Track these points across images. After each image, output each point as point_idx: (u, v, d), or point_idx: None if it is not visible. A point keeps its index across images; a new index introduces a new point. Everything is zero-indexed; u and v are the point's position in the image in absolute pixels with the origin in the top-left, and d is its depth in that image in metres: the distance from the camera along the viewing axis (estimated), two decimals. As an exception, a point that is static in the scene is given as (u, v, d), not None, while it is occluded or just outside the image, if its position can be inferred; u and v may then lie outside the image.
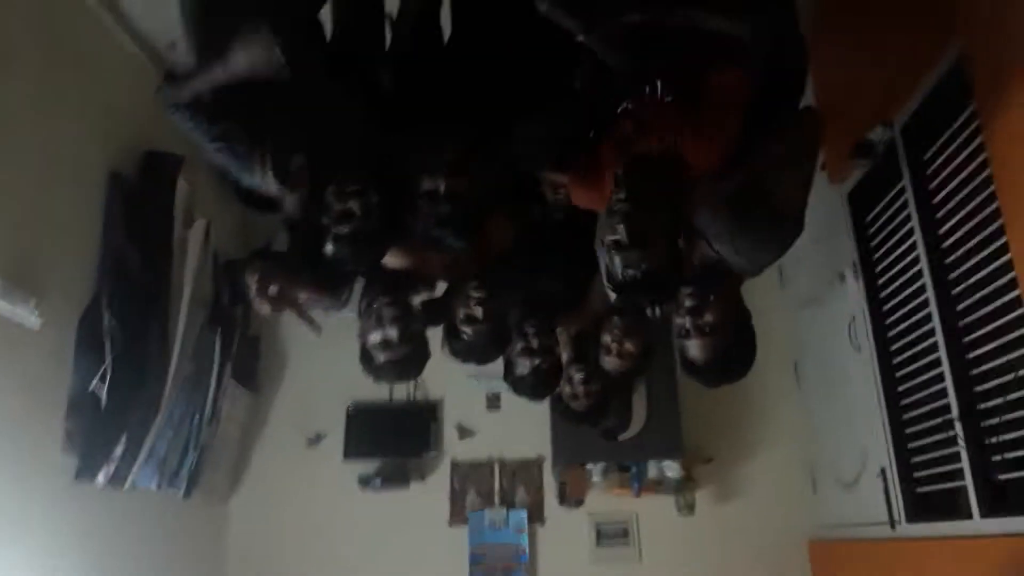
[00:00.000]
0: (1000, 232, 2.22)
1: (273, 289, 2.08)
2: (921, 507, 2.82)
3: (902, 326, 2.88)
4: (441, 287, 2.40)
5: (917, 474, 2.84)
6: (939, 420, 2.60)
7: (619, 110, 1.84)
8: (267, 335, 4.33)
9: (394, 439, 4.29)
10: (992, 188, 2.23)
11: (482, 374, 4.07)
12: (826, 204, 3.27)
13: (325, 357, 3.96)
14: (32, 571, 2.51)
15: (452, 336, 2.27)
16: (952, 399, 2.49)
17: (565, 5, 1.58)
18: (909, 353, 2.84)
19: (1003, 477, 2.29)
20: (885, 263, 2.98)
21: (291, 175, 1.95)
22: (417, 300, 2.40)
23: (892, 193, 2.87)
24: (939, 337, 2.57)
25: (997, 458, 2.30)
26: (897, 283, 2.89)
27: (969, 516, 2.41)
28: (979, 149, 2.31)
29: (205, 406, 3.47)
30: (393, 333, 2.15)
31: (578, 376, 2.41)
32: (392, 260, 2.17)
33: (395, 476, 4.22)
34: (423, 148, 1.95)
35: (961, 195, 2.44)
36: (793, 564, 3.95)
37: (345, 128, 2.04)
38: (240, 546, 4.16)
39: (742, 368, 1.88)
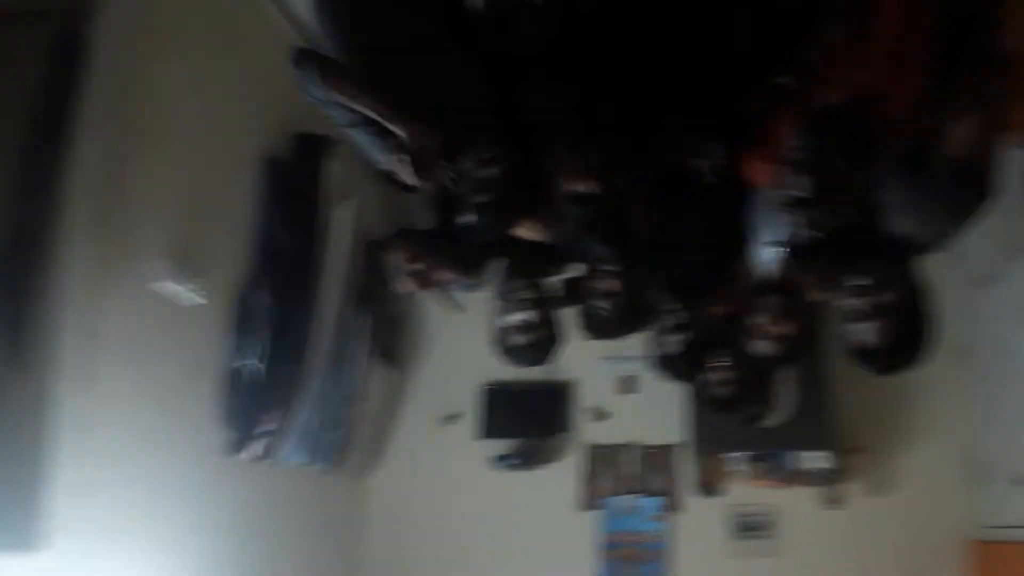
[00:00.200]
0: None
1: (418, 267, 2.11)
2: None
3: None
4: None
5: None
6: None
7: (793, 65, 1.69)
8: (409, 314, 4.41)
9: (528, 420, 4.29)
10: None
11: (618, 356, 4.02)
12: (1007, 168, 2.96)
13: (462, 336, 4.01)
14: (187, 542, 2.65)
15: (587, 312, 2.22)
16: None
17: None
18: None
19: None
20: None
21: (421, 161, 1.95)
22: (554, 281, 2.38)
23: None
24: None
25: None
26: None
27: None
28: None
29: (350, 384, 3.58)
30: (529, 316, 2.13)
31: (723, 362, 2.31)
32: (529, 232, 2.13)
33: (528, 457, 4.23)
34: (568, 144, 1.87)
35: None
36: (948, 565, 3.68)
37: (477, 96, 2.00)
38: (380, 522, 4.28)
39: (921, 353, 1.71)
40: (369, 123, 1.98)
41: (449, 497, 4.28)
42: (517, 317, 2.17)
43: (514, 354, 2.24)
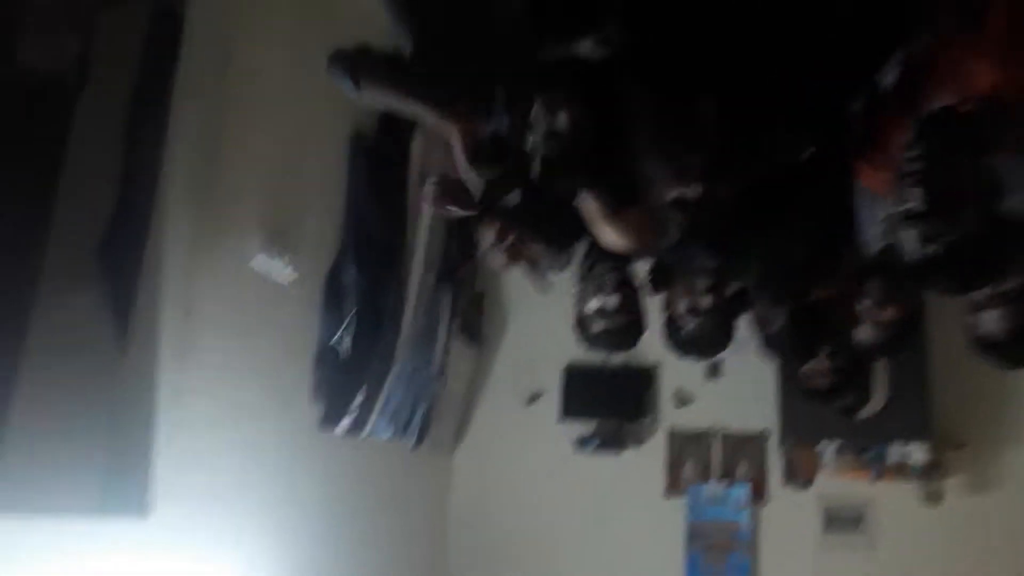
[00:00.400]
0: None
1: (509, 242, 2.08)
2: None
3: None
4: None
5: None
6: None
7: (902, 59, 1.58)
8: (491, 292, 4.40)
9: (609, 402, 4.24)
10: None
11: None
12: None
13: (545, 316, 3.96)
14: (279, 511, 2.72)
15: (672, 327, 2.14)
16: None
17: None
18: None
19: None
20: None
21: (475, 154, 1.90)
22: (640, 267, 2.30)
23: None
24: None
25: None
26: None
27: None
28: None
29: (434, 360, 3.61)
30: (612, 302, 2.07)
31: (822, 350, 2.20)
32: (611, 238, 2.07)
33: (610, 440, 4.18)
34: (670, 145, 1.78)
35: None
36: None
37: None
38: (462, 497, 4.31)
39: None
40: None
41: (531, 477, 4.27)
42: (600, 302, 2.11)
43: (595, 340, 2.18)
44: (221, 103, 2.35)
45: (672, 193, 1.68)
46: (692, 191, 1.66)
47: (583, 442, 4.17)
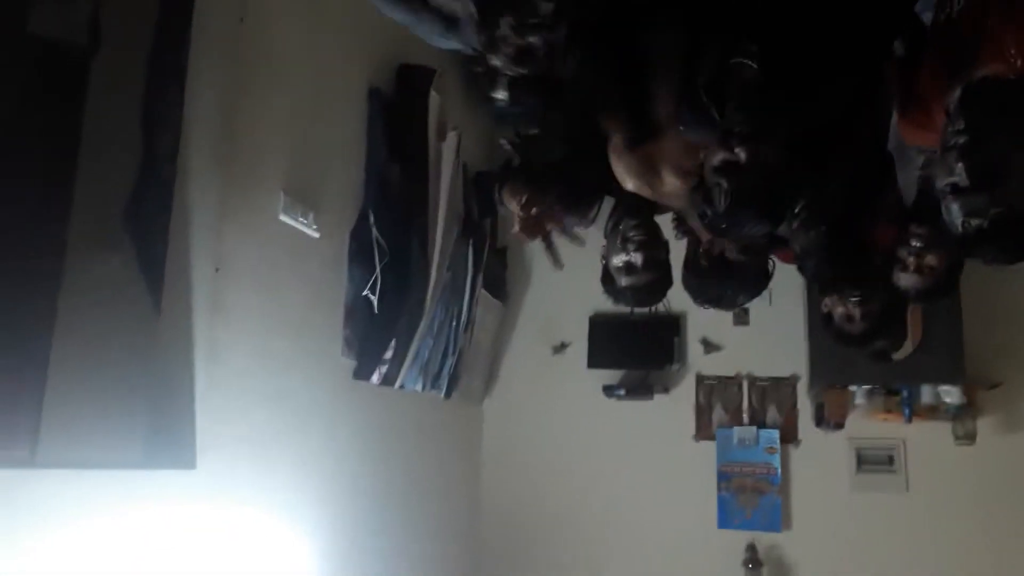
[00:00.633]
0: None
1: (534, 211, 2.06)
2: None
3: None
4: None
5: None
6: None
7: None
8: (514, 247, 4.40)
9: (636, 351, 4.26)
10: None
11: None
12: None
13: (568, 268, 3.95)
14: (317, 460, 2.76)
15: (691, 270, 2.13)
16: None
17: None
18: None
19: None
20: None
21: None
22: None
23: None
24: None
25: None
26: None
27: None
28: None
29: (461, 314, 3.62)
30: (638, 258, 2.06)
31: (855, 295, 2.17)
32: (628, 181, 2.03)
33: (639, 387, 4.20)
34: (712, 104, 1.69)
35: None
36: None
37: None
38: (493, 446, 4.38)
39: None
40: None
41: (561, 424, 4.32)
42: (624, 258, 2.09)
43: (619, 295, 2.18)
44: (238, 60, 2.32)
45: (718, 157, 1.60)
46: (740, 154, 1.58)
47: (611, 390, 4.19)
